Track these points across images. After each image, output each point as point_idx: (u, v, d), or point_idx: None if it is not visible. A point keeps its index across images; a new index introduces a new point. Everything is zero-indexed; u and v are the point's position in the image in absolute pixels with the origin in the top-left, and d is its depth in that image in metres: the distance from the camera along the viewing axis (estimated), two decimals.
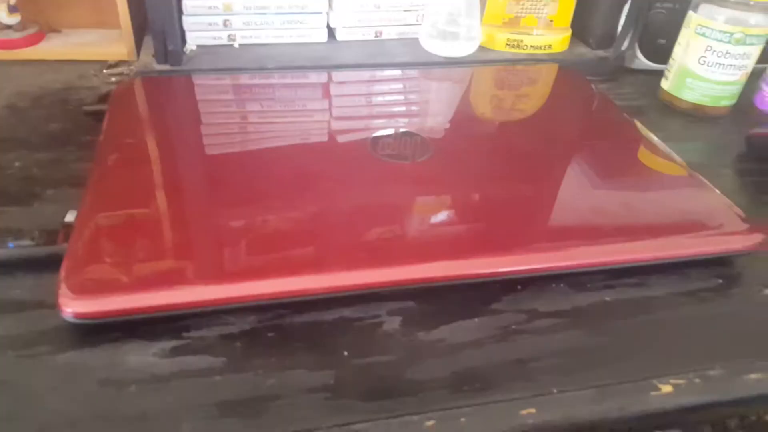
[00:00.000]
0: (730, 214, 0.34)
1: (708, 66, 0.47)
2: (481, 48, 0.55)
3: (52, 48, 0.52)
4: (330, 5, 0.53)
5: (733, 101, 0.49)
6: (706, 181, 0.36)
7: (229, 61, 0.50)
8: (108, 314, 0.26)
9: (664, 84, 0.51)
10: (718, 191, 0.35)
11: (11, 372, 0.25)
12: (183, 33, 0.50)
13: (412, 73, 0.51)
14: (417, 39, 0.55)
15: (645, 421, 0.25)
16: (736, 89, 0.48)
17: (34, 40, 0.51)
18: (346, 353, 0.26)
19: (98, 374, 0.24)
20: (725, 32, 0.45)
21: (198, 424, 0.23)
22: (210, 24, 0.50)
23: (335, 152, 0.38)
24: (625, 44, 0.54)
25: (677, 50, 0.49)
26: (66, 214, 0.31)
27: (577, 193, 0.36)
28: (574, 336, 0.28)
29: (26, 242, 0.29)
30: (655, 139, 0.41)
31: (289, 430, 0.23)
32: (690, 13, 0.47)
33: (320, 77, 0.48)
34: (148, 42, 0.51)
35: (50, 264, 0.27)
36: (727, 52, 0.46)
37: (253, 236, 0.30)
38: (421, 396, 0.24)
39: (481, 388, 0.25)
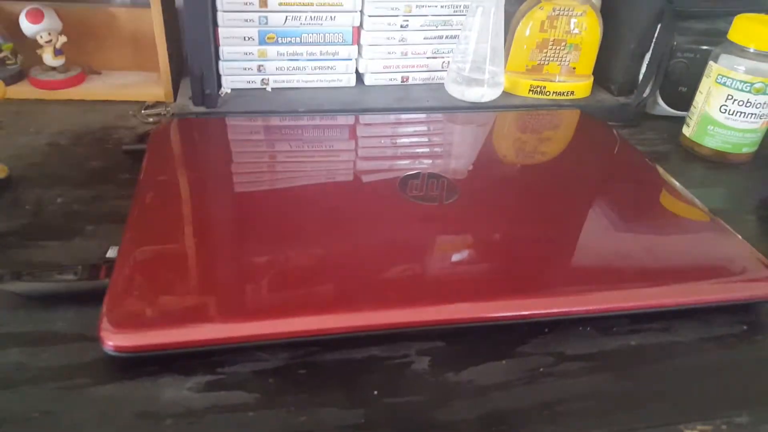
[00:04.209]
0: (753, 260, 0.34)
1: (729, 114, 0.48)
2: (505, 93, 0.56)
3: (93, 89, 0.54)
4: (359, 52, 0.55)
5: (754, 148, 0.50)
6: (728, 227, 0.37)
7: (261, 104, 0.52)
8: (147, 348, 0.26)
9: (686, 131, 0.51)
10: (740, 237, 0.36)
11: (52, 403, 0.25)
12: (219, 77, 0.52)
13: (437, 116, 0.52)
14: (442, 84, 0.56)
15: None
16: (758, 137, 0.49)
17: (76, 81, 0.54)
18: (376, 392, 0.27)
19: (136, 407, 0.25)
20: (746, 82, 0.46)
21: None
22: (245, 69, 0.53)
23: (364, 192, 0.39)
24: (647, 91, 0.55)
25: (698, 98, 0.50)
26: (107, 249, 0.32)
27: (601, 237, 0.36)
28: (600, 380, 0.28)
29: (69, 276, 0.31)
30: (677, 184, 0.42)
31: None
32: (711, 62, 0.48)
33: (348, 120, 0.50)
34: (185, 85, 0.53)
35: (91, 298, 0.28)
36: (748, 101, 0.47)
37: (285, 274, 0.31)
38: None
39: (508, 430, 0.25)
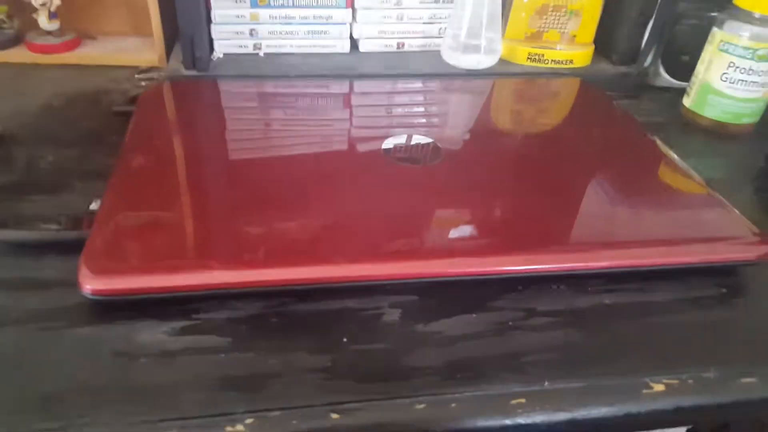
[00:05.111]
0: (740, 226, 0.34)
1: (730, 83, 0.47)
2: (503, 61, 0.56)
3: (88, 53, 0.54)
4: (354, 17, 0.54)
5: (755, 119, 0.49)
6: (721, 197, 0.36)
7: (254, 69, 0.51)
8: (123, 292, 0.27)
9: (686, 101, 0.51)
10: (733, 208, 0.35)
11: (32, 342, 0.26)
12: (211, 41, 0.52)
13: (433, 84, 0.52)
14: (438, 51, 0.56)
15: (636, 418, 0.25)
16: (759, 107, 0.48)
17: (72, 45, 0.54)
18: (345, 340, 0.27)
19: (112, 347, 0.26)
20: (749, 48, 0.45)
21: (200, 396, 0.24)
22: (237, 33, 0.52)
23: (349, 154, 0.39)
24: (648, 60, 0.54)
25: (700, 67, 0.49)
26: (91, 202, 0.33)
27: (590, 204, 0.36)
28: (570, 334, 0.28)
29: (53, 226, 0.31)
30: (673, 155, 0.41)
31: (285, 405, 0.24)
32: (714, 29, 0.47)
33: (342, 86, 0.49)
34: (178, 49, 0.53)
35: (75, 247, 0.28)
36: (750, 69, 0.46)
37: (264, 229, 0.31)
38: (414, 381, 0.25)
39: (473, 377, 0.25)
